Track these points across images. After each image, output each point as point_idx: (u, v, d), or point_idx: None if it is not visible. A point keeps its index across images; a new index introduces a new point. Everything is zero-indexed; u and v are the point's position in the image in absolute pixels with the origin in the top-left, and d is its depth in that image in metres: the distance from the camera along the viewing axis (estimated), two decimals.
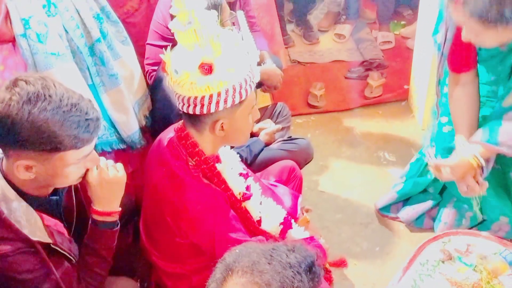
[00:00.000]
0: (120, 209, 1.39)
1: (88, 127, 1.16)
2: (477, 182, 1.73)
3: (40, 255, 1.21)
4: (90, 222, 1.37)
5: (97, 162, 1.30)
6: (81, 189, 1.40)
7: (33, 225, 1.21)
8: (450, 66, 1.79)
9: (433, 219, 2.29)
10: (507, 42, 1.54)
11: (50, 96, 1.12)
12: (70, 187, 1.38)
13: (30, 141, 1.11)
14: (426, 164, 2.10)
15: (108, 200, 1.35)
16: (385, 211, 2.38)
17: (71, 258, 1.32)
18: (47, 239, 1.23)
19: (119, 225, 1.41)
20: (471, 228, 2.18)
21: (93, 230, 1.37)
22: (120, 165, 1.37)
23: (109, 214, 1.36)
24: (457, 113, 1.82)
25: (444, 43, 1.73)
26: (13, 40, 1.54)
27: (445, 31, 1.71)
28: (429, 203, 2.27)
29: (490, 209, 2.13)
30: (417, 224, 2.32)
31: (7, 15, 1.50)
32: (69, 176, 1.24)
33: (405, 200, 2.34)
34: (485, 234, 1.96)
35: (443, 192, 2.25)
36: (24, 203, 1.21)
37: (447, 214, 2.22)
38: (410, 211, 2.31)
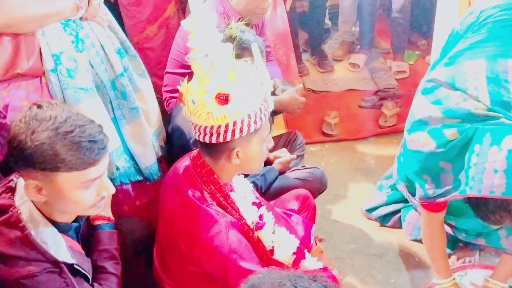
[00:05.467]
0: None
1: (91, 149, 1.18)
2: None
3: (66, 274, 1.24)
4: (97, 230, 1.44)
5: (111, 191, 1.31)
6: None
7: (58, 246, 1.25)
8: (425, 207, 1.82)
9: (400, 219, 2.38)
10: None
11: (55, 117, 1.16)
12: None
13: (34, 159, 1.15)
14: None
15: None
16: (369, 212, 2.47)
17: (90, 278, 1.35)
18: (71, 260, 1.27)
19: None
20: None
21: (103, 234, 1.46)
22: None
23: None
24: (432, 248, 1.94)
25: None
26: (40, 76, 1.58)
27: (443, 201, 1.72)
28: (400, 205, 2.37)
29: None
30: (384, 222, 2.43)
31: (40, 51, 1.55)
32: (80, 202, 1.24)
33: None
34: None
35: None
36: (49, 225, 1.25)
37: (411, 215, 2.31)
38: (382, 210, 2.42)
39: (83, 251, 1.37)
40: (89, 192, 1.24)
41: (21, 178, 1.28)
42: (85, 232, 1.43)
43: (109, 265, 1.43)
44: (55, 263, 1.23)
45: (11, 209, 1.23)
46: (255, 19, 2.39)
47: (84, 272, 1.31)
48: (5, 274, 1.19)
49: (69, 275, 1.25)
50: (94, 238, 1.45)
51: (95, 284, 1.37)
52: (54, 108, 1.18)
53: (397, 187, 2.22)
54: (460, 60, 1.67)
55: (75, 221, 1.36)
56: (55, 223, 1.28)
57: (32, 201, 1.25)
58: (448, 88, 1.65)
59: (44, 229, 1.23)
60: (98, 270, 1.41)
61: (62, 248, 1.26)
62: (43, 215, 1.26)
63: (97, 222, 1.47)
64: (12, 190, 1.28)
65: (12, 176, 1.31)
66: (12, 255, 1.20)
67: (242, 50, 1.85)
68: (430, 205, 1.77)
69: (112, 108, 1.79)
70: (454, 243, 2.20)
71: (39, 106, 1.18)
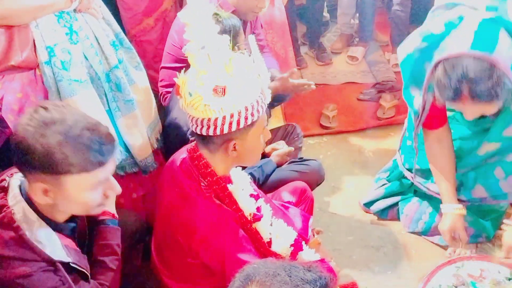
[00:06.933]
0: None
1: (100, 151, 1.19)
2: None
3: (61, 272, 1.25)
4: (101, 225, 1.45)
5: (117, 190, 1.31)
6: None
7: (53, 245, 1.25)
8: (423, 124, 1.87)
9: (397, 211, 2.40)
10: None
11: (63, 120, 1.16)
12: None
13: (43, 163, 1.15)
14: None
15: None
16: (367, 206, 2.48)
17: (87, 274, 1.35)
18: (67, 258, 1.27)
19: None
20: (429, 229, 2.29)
21: (107, 229, 1.47)
22: None
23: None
24: (438, 169, 1.95)
25: (422, 112, 1.81)
26: (34, 68, 1.58)
27: (423, 103, 1.79)
28: (397, 198, 2.39)
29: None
30: (382, 215, 2.44)
31: (33, 43, 1.54)
32: (87, 203, 1.26)
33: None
34: (499, 259, 1.94)
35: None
36: (44, 224, 1.25)
37: (409, 207, 2.35)
38: (380, 203, 2.43)
39: (78, 249, 1.36)
40: (96, 193, 1.25)
41: (13, 177, 1.28)
42: (81, 229, 1.43)
43: (109, 260, 1.43)
44: (50, 262, 1.23)
45: (4, 209, 1.23)
46: (251, 17, 2.39)
47: (81, 269, 1.31)
48: (0, 274, 1.19)
49: (65, 273, 1.25)
50: (97, 233, 1.45)
51: (91, 281, 1.37)
52: (61, 110, 1.18)
53: (405, 176, 2.23)
54: None
55: (71, 221, 1.35)
56: (51, 222, 1.27)
57: (31, 200, 1.24)
58: (449, 8, 1.70)
59: (38, 229, 1.23)
60: (97, 264, 1.42)
61: (57, 247, 1.25)
62: (41, 214, 1.25)
63: (102, 217, 1.48)
64: (4, 190, 1.27)
65: (4, 175, 1.30)
66: (7, 255, 1.19)
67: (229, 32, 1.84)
68: (428, 122, 1.83)
69: (107, 100, 1.79)
70: None
71: (45, 108, 1.17)
